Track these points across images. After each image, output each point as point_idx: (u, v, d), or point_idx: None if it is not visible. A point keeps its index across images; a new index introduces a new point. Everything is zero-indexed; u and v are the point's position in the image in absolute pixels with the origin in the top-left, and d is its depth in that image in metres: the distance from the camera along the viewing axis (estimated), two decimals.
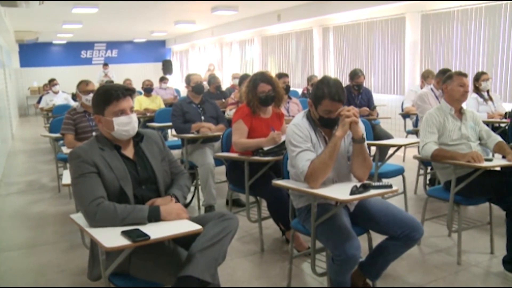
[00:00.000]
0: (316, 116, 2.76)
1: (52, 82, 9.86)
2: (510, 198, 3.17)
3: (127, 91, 2.44)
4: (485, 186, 3.34)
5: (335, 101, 2.65)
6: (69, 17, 11.39)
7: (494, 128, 5.39)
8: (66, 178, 3.02)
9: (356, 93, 6.33)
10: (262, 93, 3.82)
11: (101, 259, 2.17)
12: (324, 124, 2.76)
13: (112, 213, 2.17)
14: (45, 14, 10.94)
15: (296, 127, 2.74)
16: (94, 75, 15.21)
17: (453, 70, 3.94)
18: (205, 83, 7.31)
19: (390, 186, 2.56)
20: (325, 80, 2.73)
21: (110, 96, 2.39)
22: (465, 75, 3.64)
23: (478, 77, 5.71)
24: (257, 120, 3.84)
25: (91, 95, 4.52)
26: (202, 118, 5.02)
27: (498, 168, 3.53)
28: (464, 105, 3.74)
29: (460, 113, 3.62)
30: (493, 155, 3.84)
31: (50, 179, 6.62)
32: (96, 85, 6.19)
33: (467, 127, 3.57)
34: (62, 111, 6.45)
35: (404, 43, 8.98)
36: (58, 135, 4.94)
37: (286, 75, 5.85)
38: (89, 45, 19.73)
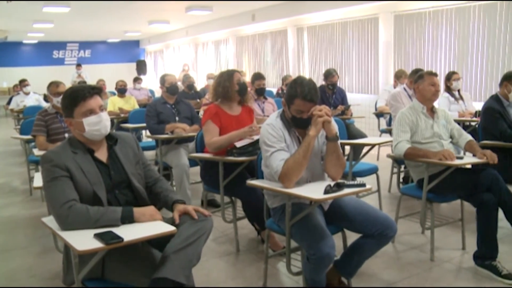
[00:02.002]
0: (289, 116, 2.76)
1: (23, 83, 9.67)
2: (480, 195, 3.23)
3: (93, 90, 2.40)
4: (456, 184, 3.41)
5: (307, 101, 2.65)
6: (40, 16, 11.20)
7: (465, 126, 5.50)
8: (38, 180, 2.95)
9: (330, 93, 6.38)
10: (239, 80, 3.85)
11: (74, 262, 2.12)
12: (296, 124, 2.76)
13: (84, 215, 2.14)
14: (15, 13, 10.74)
15: (270, 127, 2.74)
16: (67, 75, 14.99)
17: (425, 70, 4.00)
18: (179, 84, 7.28)
19: (363, 185, 2.58)
20: (299, 80, 2.73)
21: (76, 97, 2.36)
22: (435, 75, 3.70)
23: (449, 76, 5.81)
24: (226, 118, 3.82)
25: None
26: (177, 118, 4.99)
27: (469, 166, 3.60)
28: (436, 104, 3.81)
29: (432, 111, 3.68)
30: (464, 154, 3.91)
31: (22, 182, 6.49)
32: (68, 85, 6.06)
33: (439, 125, 3.63)
34: (33, 113, 6.33)
35: (378, 43, 9.09)
36: (29, 137, 4.84)
37: (262, 77, 5.84)
38: (61, 45, 19.46)
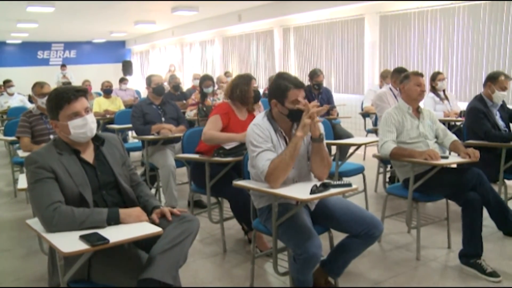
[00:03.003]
0: (285, 113, 2.75)
1: (7, 84, 9.54)
2: (465, 194, 3.27)
3: (78, 92, 2.37)
4: (442, 183, 3.43)
5: (300, 87, 2.72)
6: (24, 15, 11.07)
7: (450, 126, 5.55)
8: (22, 182, 2.92)
9: (316, 93, 6.38)
10: (255, 88, 3.90)
11: (59, 264, 2.11)
12: (295, 116, 2.73)
13: (70, 217, 2.12)
14: None
15: (257, 127, 2.74)
16: (52, 76, 14.85)
17: (410, 70, 4.03)
18: (165, 84, 7.24)
19: (349, 185, 2.59)
20: (282, 75, 2.81)
21: (61, 100, 2.33)
22: (421, 75, 3.72)
23: (435, 77, 5.86)
24: (234, 120, 3.81)
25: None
26: (163, 119, 4.97)
27: (454, 165, 3.63)
28: (421, 104, 3.84)
29: (417, 112, 3.71)
30: (449, 153, 3.95)
31: (6, 184, 6.41)
32: (53, 86, 6.02)
33: (425, 126, 3.65)
34: (18, 114, 6.24)
35: (363, 44, 9.12)
36: (13, 138, 4.79)
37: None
38: (46, 45, 19.24)
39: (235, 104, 3.88)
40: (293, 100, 2.70)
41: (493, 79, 4.25)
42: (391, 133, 3.58)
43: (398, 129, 3.60)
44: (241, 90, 3.81)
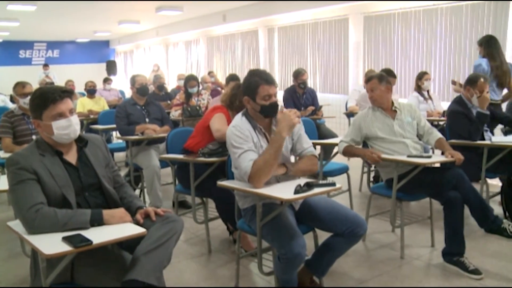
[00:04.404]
0: (257, 109, 2.77)
1: None
2: (446, 193, 3.30)
3: (64, 93, 2.35)
4: (424, 183, 3.47)
5: (271, 83, 2.74)
6: (4, 14, 10.93)
7: (433, 126, 5.59)
8: (3, 183, 2.88)
9: (301, 93, 6.38)
10: None
11: (42, 267, 2.08)
12: (267, 112, 2.75)
13: (52, 218, 2.10)
14: None
15: (236, 129, 2.74)
16: (34, 76, 14.67)
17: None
18: (150, 85, 7.20)
19: (333, 184, 2.60)
20: (253, 71, 2.83)
21: (46, 99, 2.31)
22: (370, 79, 3.76)
23: (421, 76, 5.91)
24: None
25: (29, 97, 4.35)
26: (147, 120, 4.94)
27: (437, 165, 3.66)
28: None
29: (393, 111, 3.72)
30: (433, 152, 3.98)
31: None
32: (36, 86, 5.93)
33: (403, 123, 3.67)
34: None
35: (348, 44, 9.18)
36: None
37: (238, 80, 5.78)
38: (28, 45, 19.03)
39: (232, 112, 3.80)
40: (264, 95, 2.72)
41: (471, 83, 4.22)
42: (351, 132, 3.73)
43: (366, 128, 3.68)
44: (240, 101, 3.61)
